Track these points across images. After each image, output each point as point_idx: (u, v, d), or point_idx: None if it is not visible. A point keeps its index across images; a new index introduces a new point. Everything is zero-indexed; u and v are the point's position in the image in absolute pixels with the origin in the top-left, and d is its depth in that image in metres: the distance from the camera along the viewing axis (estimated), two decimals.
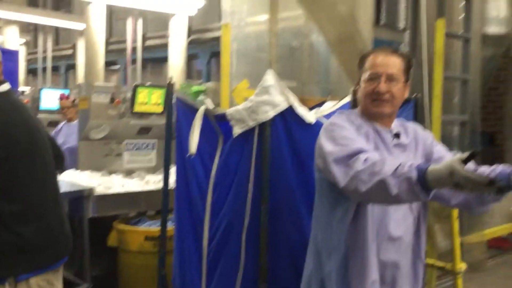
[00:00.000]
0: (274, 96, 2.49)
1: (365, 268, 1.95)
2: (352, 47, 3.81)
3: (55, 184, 2.24)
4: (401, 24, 7.10)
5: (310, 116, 2.59)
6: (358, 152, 1.81)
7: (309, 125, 2.58)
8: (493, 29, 6.27)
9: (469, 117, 4.99)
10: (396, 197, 1.70)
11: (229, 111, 2.57)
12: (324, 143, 1.95)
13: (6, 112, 2.06)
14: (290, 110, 2.54)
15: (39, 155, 2.16)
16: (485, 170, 1.92)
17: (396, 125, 2.12)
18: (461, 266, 3.44)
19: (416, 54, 6.11)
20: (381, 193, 1.72)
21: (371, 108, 2.03)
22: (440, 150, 2.15)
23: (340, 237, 1.99)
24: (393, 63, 2.02)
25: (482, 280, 5.04)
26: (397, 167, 1.69)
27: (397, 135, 2.07)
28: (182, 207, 2.82)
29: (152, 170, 4.98)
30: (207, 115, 2.64)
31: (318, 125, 2.63)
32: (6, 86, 2.11)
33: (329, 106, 3.09)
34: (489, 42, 6.23)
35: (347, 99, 2.96)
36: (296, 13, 4.39)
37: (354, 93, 2.92)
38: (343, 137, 1.91)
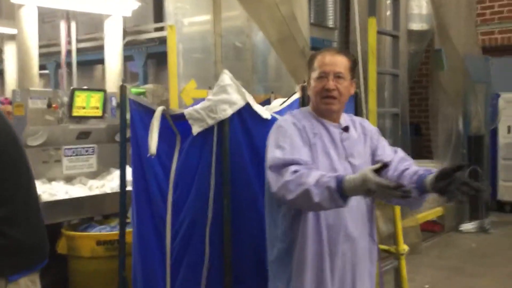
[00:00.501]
0: (231, 95, 2.56)
1: (304, 261, 2.11)
2: (293, 45, 3.95)
3: (35, 190, 2.28)
4: (330, 22, 7.37)
5: (266, 113, 2.69)
6: (291, 163, 2.00)
7: (265, 121, 2.67)
8: (416, 25, 6.70)
9: (399, 110, 5.31)
10: (318, 204, 1.91)
11: (188, 110, 2.62)
12: (268, 146, 2.14)
13: None
14: (247, 108, 2.63)
15: (23, 162, 2.19)
16: (412, 171, 2.10)
17: (345, 119, 2.29)
18: (404, 247, 3.69)
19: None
20: (305, 200, 1.93)
21: (321, 105, 2.20)
22: (383, 146, 2.32)
23: (284, 230, 2.16)
24: (340, 62, 2.17)
25: (418, 262, 5.37)
26: (319, 178, 1.90)
27: (345, 129, 2.23)
28: (141, 207, 2.83)
29: (93, 175, 4.89)
30: (164, 115, 2.67)
31: (273, 121, 2.74)
32: None
33: (278, 103, 3.21)
34: (412, 38, 6.65)
35: (296, 96, 3.09)
36: (237, 12, 4.48)
37: (302, 89, 3.07)
38: (283, 144, 2.07)
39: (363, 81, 4.53)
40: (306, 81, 2.30)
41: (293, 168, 1.96)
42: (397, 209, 3.76)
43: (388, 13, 5.74)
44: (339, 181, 1.86)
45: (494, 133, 7.35)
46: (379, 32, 4.75)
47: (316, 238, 2.11)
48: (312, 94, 2.21)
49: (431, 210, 6.42)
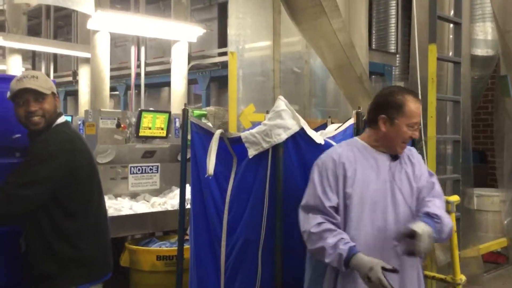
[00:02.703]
0: (286, 120, 2.67)
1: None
2: (350, 72, 4.01)
3: (105, 206, 2.47)
4: (392, 47, 7.36)
5: (319, 138, 2.77)
6: (319, 210, 2.24)
7: (318, 146, 2.75)
8: (481, 51, 6.55)
9: (461, 136, 5.20)
10: (327, 263, 2.19)
11: (244, 134, 2.75)
12: (309, 181, 2.35)
13: (72, 140, 2.31)
14: (301, 133, 2.72)
15: (96, 179, 2.39)
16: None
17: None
18: (461, 277, 3.60)
19: (408, 76, 6.37)
20: (318, 254, 2.21)
21: (398, 148, 2.34)
22: (422, 176, 2.44)
23: None
24: (420, 112, 2.35)
25: None
26: (337, 242, 2.15)
27: (394, 158, 2.37)
28: (198, 226, 2.96)
29: (156, 193, 5.11)
30: (222, 138, 2.81)
31: (327, 145, 2.81)
32: (63, 118, 2.37)
33: (333, 128, 3.27)
34: (477, 64, 6.50)
35: (351, 121, 3.14)
36: (296, 38, 4.61)
37: (357, 115, 3.13)
38: (317, 186, 2.29)
39: (422, 107, 4.49)
40: (384, 118, 2.34)
41: (319, 218, 2.22)
42: (455, 238, 3.69)
43: (451, 37, 5.66)
44: (350, 254, 2.11)
45: None
46: (440, 59, 4.71)
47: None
48: (394, 136, 2.31)
49: (495, 240, 6.18)
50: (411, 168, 2.40)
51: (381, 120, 2.32)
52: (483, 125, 7.93)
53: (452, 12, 5.35)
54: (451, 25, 5.42)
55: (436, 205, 2.32)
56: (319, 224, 2.21)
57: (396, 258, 2.24)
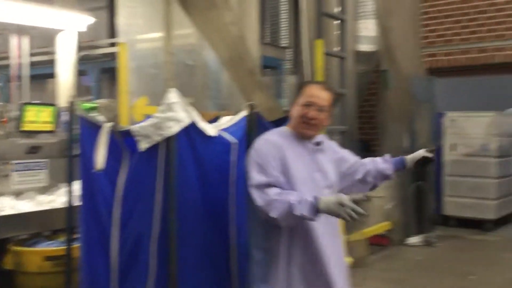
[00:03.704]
0: (178, 113, 2.66)
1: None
2: (242, 65, 4.08)
3: None
4: (284, 42, 7.57)
5: (212, 130, 2.79)
6: (273, 184, 2.35)
7: (210, 138, 2.77)
8: (364, 47, 6.97)
9: (347, 127, 5.51)
10: (300, 217, 2.27)
11: (134, 127, 2.69)
12: (250, 167, 2.44)
13: None
14: (193, 125, 2.73)
15: None
16: (377, 163, 2.73)
17: (319, 137, 2.60)
18: (348, 260, 3.83)
19: (298, 70, 6.61)
20: (287, 214, 2.29)
21: (299, 128, 2.52)
22: (347, 155, 2.77)
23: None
24: (325, 97, 2.51)
25: (364, 274, 5.53)
26: (301, 197, 2.28)
27: (318, 143, 2.55)
28: (88, 222, 2.86)
29: (43, 190, 4.85)
30: (112, 131, 2.73)
31: (219, 138, 2.85)
32: None
33: (226, 120, 3.31)
34: (361, 59, 6.91)
35: (243, 113, 3.20)
36: (190, 31, 4.58)
37: (250, 107, 3.20)
38: (264, 165, 2.39)
39: None
40: (291, 104, 2.56)
41: (276, 189, 2.34)
42: (341, 223, 3.90)
43: (336, 33, 5.95)
44: (317, 199, 2.24)
45: (438, 150, 7.66)
46: (326, 54, 4.95)
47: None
48: (294, 116, 2.52)
49: (379, 224, 6.63)
50: (328, 153, 2.61)
51: (291, 106, 2.57)
52: (367, 117, 8.44)
53: (339, 9, 5.63)
54: (337, 21, 5.71)
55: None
56: (279, 192, 2.33)
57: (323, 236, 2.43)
